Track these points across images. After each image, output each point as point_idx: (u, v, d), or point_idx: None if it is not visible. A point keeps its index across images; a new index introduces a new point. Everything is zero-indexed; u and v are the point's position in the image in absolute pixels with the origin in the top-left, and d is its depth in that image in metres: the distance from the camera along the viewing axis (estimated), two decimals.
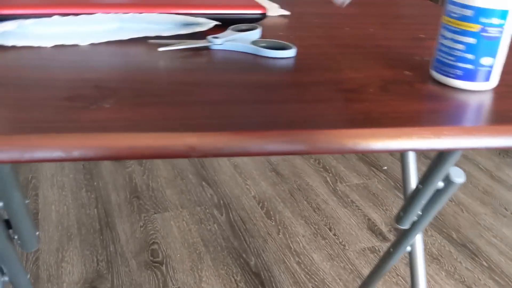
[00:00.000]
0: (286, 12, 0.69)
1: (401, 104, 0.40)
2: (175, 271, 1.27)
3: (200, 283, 1.24)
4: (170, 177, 1.67)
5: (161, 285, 1.23)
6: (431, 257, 1.39)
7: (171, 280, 1.24)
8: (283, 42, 0.51)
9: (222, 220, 1.48)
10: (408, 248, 0.85)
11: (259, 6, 0.58)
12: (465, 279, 1.32)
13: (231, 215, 1.50)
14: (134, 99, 0.36)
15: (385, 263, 0.91)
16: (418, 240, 0.84)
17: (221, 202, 1.56)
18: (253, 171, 1.75)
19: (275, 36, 0.57)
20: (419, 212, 0.73)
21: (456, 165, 0.76)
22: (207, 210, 1.52)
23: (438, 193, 0.68)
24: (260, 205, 1.57)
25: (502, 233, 1.53)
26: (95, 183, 1.61)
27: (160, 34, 0.50)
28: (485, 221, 1.58)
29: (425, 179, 0.69)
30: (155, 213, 1.49)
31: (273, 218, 1.51)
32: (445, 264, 1.37)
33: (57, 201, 1.51)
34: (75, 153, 0.31)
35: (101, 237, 1.37)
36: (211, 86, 0.40)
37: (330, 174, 1.78)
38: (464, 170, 1.88)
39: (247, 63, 0.47)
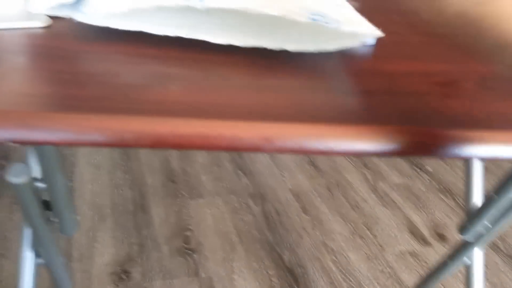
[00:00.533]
0: None
1: (506, 104, 0.34)
2: (207, 259, 1.24)
3: (232, 274, 1.21)
4: (206, 163, 1.64)
5: (191, 273, 1.19)
6: None
7: (202, 269, 1.21)
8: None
9: (257, 211, 1.44)
10: (467, 261, 0.78)
11: None
12: None
13: (266, 206, 1.46)
14: (202, 82, 0.32)
15: (438, 274, 0.84)
16: (478, 254, 0.77)
17: (257, 192, 1.52)
18: (290, 163, 1.70)
19: None
20: (487, 223, 0.67)
21: None
22: (242, 200, 1.48)
23: None
24: (296, 198, 1.52)
25: None
26: (131, 165, 1.59)
27: (283, 47, 0.37)
28: None
29: (501, 189, 0.63)
30: (190, 199, 1.45)
31: (309, 213, 1.46)
32: (489, 275, 1.29)
33: (92, 180, 1.49)
34: (132, 138, 0.26)
35: (134, 220, 1.35)
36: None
37: (371, 172, 1.71)
38: None
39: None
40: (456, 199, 1.60)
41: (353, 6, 0.59)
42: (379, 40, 0.45)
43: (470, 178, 0.74)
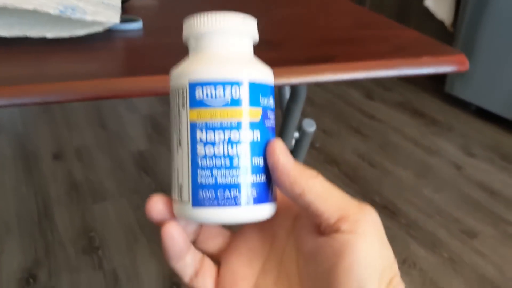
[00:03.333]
0: None
1: None
2: (111, 253, 1.34)
3: (135, 262, 1.32)
4: (109, 168, 1.74)
5: (96, 266, 1.29)
6: None
7: (107, 262, 1.31)
8: (130, 15, 0.59)
9: None
10: None
11: None
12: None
13: None
14: None
15: None
16: None
17: (159, 189, 1.64)
18: None
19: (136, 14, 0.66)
20: None
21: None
22: (145, 197, 1.59)
23: (297, 142, 0.77)
24: None
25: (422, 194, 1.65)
26: (34, 179, 1.66)
27: (44, 34, 0.49)
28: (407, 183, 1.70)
29: (282, 131, 0.78)
30: (93, 203, 1.55)
31: None
32: None
33: None
34: None
35: (39, 228, 1.43)
36: None
37: None
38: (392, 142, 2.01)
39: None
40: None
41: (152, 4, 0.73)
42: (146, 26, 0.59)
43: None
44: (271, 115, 0.31)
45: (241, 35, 0.30)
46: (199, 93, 0.29)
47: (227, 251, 0.32)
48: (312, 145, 1.94)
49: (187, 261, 0.30)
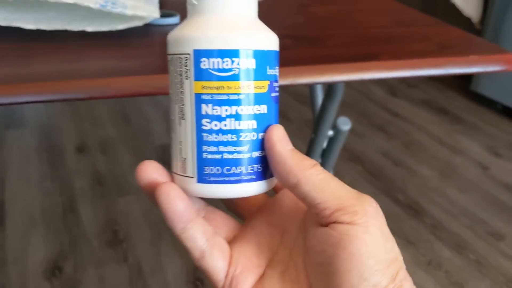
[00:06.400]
0: None
1: None
2: (135, 247, 1.35)
3: (159, 256, 1.32)
4: (133, 163, 1.74)
5: (120, 259, 1.30)
6: None
7: (131, 255, 1.32)
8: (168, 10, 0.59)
9: None
10: None
11: None
12: (409, 237, 1.41)
13: None
14: None
15: None
16: None
17: None
18: None
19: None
20: (319, 160, 0.81)
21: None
22: None
23: (331, 140, 0.76)
24: None
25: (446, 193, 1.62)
26: (58, 173, 1.68)
27: (84, 28, 0.48)
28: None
29: (316, 128, 0.77)
30: (118, 197, 1.56)
31: None
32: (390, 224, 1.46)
33: (22, 191, 1.57)
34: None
35: (64, 222, 1.44)
36: None
37: None
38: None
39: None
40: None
41: None
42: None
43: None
44: (277, 85, 0.29)
45: None
46: (204, 64, 0.26)
47: (235, 242, 0.31)
48: None
49: (194, 234, 0.28)
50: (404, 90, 2.47)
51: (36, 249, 1.33)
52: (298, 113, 2.16)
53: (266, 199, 0.34)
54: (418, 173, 1.74)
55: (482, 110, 2.26)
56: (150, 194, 0.29)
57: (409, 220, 1.48)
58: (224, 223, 0.32)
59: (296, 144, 0.29)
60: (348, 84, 2.52)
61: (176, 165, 0.29)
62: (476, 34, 2.27)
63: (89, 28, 0.48)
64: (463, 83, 2.51)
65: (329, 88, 0.72)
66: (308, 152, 0.77)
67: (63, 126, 2.02)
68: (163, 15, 0.57)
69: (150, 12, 0.49)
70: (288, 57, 0.48)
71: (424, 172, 1.75)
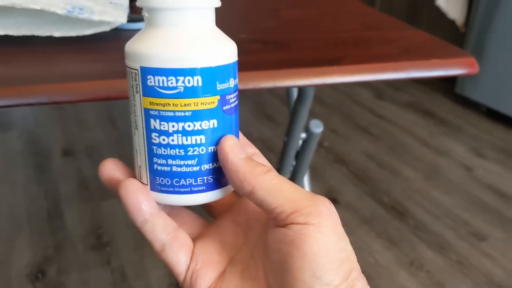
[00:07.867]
0: None
1: None
2: (119, 250, 1.35)
3: (143, 259, 1.32)
4: None
5: (104, 263, 1.30)
6: (363, 220, 1.49)
7: (115, 259, 1.32)
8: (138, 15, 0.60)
9: None
10: None
11: None
12: (392, 238, 1.42)
13: None
14: None
15: None
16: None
17: None
18: None
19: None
20: (293, 163, 0.82)
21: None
22: None
23: (304, 143, 0.77)
24: None
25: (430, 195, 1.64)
26: (45, 177, 1.68)
27: (51, 34, 0.48)
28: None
29: (289, 131, 0.78)
30: (103, 200, 1.56)
31: None
32: (375, 226, 1.47)
33: (8, 195, 1.57)
34: None
35: (49, 226, 1.44)
36: None
37: None
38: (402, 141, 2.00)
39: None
40: None
41: None
42: None
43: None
44: (231, 97, 0.29)
45: (198, 9, 0.27)
46: (150, 81, 0.27)
47: (199, 239, 0.32)
48: (321, 145, 1.94)
49: (154, 227, 0.29)
50: (390, 93, 2.49)
51: (21, 253, 1.33)
52: (285, 117, 2.17)
53: (236, 199, 0.34)
54: (403, 175, 1.75)
55: (467, 112, 2.28)
56: (113, 190, 0.30)
57: (393, 222, 1.49)
58: (190, 220, 0.33)
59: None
60: (334, 86, 2.54)
61: (135, 171, 0.31)
62: (461, 37, 2.29)
63: (57, 34, 0.49)
64: (448, 86, 2.54)
65: (299, 92, 0.73)
66: (282, 155, 0.78)
67: (50, 130, 2.02)
68: (132, 20, 0.57)
69: (117, 17, 0.50)
70: (254, 61, 0.49)
71: (409, 173, 1.76)
